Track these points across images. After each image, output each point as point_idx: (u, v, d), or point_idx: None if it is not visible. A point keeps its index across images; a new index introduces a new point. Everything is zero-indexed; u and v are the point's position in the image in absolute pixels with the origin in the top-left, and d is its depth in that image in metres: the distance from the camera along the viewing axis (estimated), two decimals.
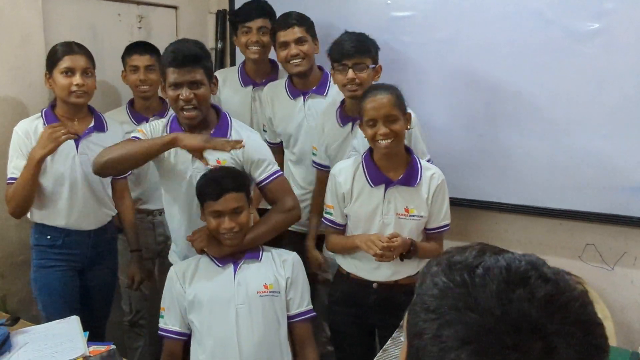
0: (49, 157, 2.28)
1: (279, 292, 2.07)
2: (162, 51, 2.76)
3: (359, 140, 2.38)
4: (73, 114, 2.39)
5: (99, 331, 2.52)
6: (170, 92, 2.07)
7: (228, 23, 3.28)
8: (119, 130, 2.54)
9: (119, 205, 2.61)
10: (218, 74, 2.58)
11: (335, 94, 2.65)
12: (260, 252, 2.13)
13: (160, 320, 2.11)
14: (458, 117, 2.70)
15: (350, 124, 2.43)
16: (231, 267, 2.08)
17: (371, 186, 2.15)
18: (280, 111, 2.77)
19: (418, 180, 2.13)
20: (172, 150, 2.11)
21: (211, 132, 2.14)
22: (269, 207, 2.30)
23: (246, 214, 2.06)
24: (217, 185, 2.00)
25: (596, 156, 2.42)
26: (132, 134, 2.18)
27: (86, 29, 2.89)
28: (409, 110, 2.16)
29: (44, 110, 2.39)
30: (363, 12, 2.85)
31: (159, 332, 2.11)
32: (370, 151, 2.19)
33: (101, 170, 2.12)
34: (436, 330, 0.64)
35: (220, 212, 2.01)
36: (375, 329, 2.26)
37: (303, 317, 2.11)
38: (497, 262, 0.66)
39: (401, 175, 2.13)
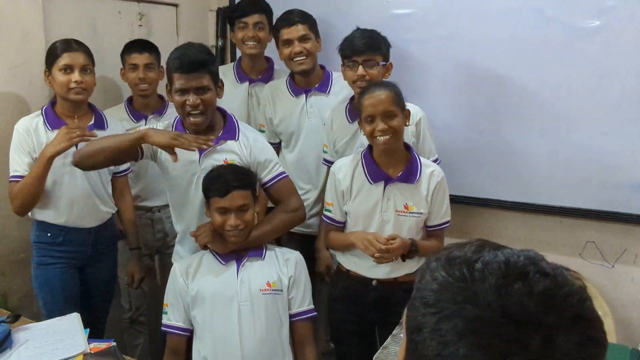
0: None
1: (282, 291, 2.07)
2: (161, 49, 2.80)
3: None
4: (73, 111, 2.39)
5: (99, 328, 2.53)
6: (176, 97, 2.06)
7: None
8: (119, 128, 2.55)
9: (119, 202, 2.62)
10: None
11: (338, 91, 2.66)
12: (264, 250, 2.13)
13: (164, 316, 2.10)
14: (458, 114, 2.70)
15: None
16: (234, 265, 2.07)
17: (370, 183, 2.15)
18: (282, 110, 2.76)
19: (417, 177, 2.13)
20: (179, 152, 2.10)
21: (219, 135, 2.15)
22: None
23: (252, 211, 2.06)
24: (225, 181, 2.00)
25: (597, 153, 2.42)
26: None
27: (87, 26, 2.89)
28: (407, 107, 2.16)
29: (44, 108, 2.39)
30: (363, 10, 2.85)
31: (162, 328, 2.10)
32: (370, 148, 2.19)
33: (79, 162, 2.15)
34: (435, 324, 0.64)
35: (226, 209, 2.01)
36: (375, 326, 2.26)
37: (304, 317, 2.11)
38: (496, 257, 0.67)
39: (400, 172, 2.13)
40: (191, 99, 2.03)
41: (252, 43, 2.82)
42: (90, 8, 2.92)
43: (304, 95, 2.71)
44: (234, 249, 2.08)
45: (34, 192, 2.27)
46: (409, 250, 2.10)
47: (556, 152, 2.49)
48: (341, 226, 2.26)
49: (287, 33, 2.61)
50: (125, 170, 2.64)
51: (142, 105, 2.81)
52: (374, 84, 2.17)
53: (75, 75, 2.31)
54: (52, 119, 2.35)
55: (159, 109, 2.84)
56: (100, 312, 2.62)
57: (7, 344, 1.79)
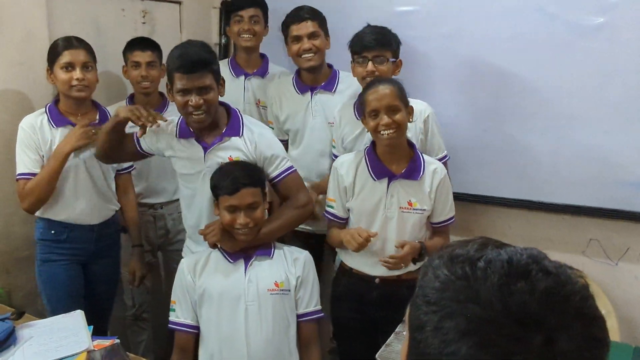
0: None
1: (289, 291, 2.04)
2: (164, 46, 2.80)
3: None
4: (76, 108, 2.40)
5: (103, 324, 2.54)
6: (178, 97, 2.04)
7: None
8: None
9: (122, 200, 2.63)
10: None
11: (344, 89, 2.65)
12: (272, 249, 2.10)
13: (171, 313, 2.07)
14: (462, 112, 2.70)
15: None
16: (242, 263, 2.05)
17: (374, 180, 2.14)
18: (288, 107, 2.77)
19: (421, 173, 2.13)
20: (184, 150, 2.14)
21: (223, 131, 2.14)
22: None
23: (262, 209, 2.03)
24: (234, 179, 1.97)
25: (600, 151, 2.41)
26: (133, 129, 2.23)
27: (90, 24, 2.89)
28: (416, 104, 2.17)
29: (47, 106, 2.40)
30: (367, 7, 2.85)
31: (170, 325, 2.07)
32: (373, 145, 2.19)
33: (99, 158, 2.31)
34: (437, 323, 0.64)
35: (235, 207, 1.98)
36: (378, 324, 2.26)
37: (310, 317, 2.08)
38: (499, 256, 0.67)
39: (404, 169, 2.13)
40: (193, 99, 2.01)
41: (247, 36, 2.85)
42: (94, 5, 2.92)
43: (310, 93, 2.71)
44: (244, 246, 2.05)
45: (49, 188, 2.28)
46: (419, 254, 2.11)
47: (559, 150, 2.49)
48: (343, 223, 2.25)
49: (296, 29, 2.61)
50: (128, 168, 2.65)
51: (143, 103, 2.80)
52: (377, 80, 2.18)
53: (77, 73, 2.31)
54: (56, 117, 2.36)
55: (160, 107, 2.84)
56: (104, 308, 2.63)
57: (11, 340, 1.79)
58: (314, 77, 2.69)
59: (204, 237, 2.09)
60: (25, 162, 2.30)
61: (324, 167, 2.68)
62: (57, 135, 2.34)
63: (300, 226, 2.46)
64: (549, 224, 2.61)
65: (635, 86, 2.31)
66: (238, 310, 1.99)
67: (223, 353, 2.00)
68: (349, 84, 2.62)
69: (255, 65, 2.95)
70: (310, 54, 2.60)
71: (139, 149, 2.26)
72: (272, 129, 2.81)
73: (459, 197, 2.62)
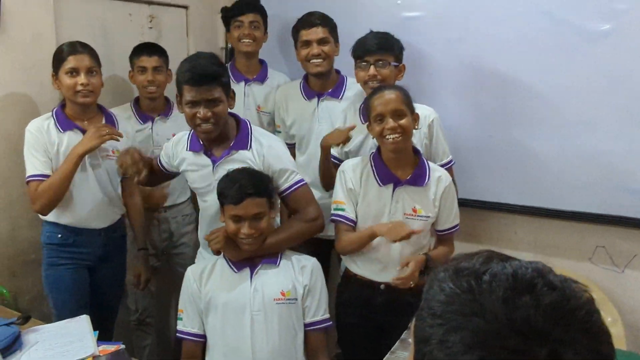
0: (61, 155, 2.32)
1: (296, 299, 2.00)
2: (171, 51, 2.82)
3: None
4: (82, 113, 2.40)
5: (108, 329, 2.55)
6: (187, 109, 2.03)
7: None
8: (130, 129, 2.58)
9: (127, 203, 2.64)
10: None
11: (351, 96, 2.65)
12: (279, 257, 2.06)
13: (179, 322, 2.05)
14: (468, 117, 2.69)
15: None
16: (248, 272, 2.01)
17: (380, 185, 2.14)
18: (294, 112, 2.78)
19: (426, 180, 2.13)
20: (194, 164, 2.15)
21: (231, 144, 2.11)
22: None
23: (267, 219, 1.99)
24: (239, 188, 1.93)
25: (607, 157, 2.40)
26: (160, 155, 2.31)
27: (97, 28, 2.91)
28: (420, 109, 2.17)
29: (54, 110, 2.41)
30: (373, 13, 2.85)
31: (177, 334, 2.04)
32: (378, 151, 2.19)
33: (142, 185, 2.42)
34: (442, 336, 0.64)
35: (240, 217, 1.94)
36: (383, 331, 2.26)
37: (318, 327, 2.04)
38: (504, 269, 0.67)
39: (410, 175, 2.13)
40: (202, 111, 2.00)
41: (247, 41, 2.87)
42: (101, 10, 2.94)
43: (317, 99, 2.71)
44: (247, 256, 2.01)
45: (62, 190, 2.29)
46: (425, 266, 2.10)
47: (566, 155, 2.48)
48: (353, 226, 2.20)
49: (306, 34, 2.63)
50: None
51: (148, 108, 2.83)
52: (383, 86, 2.19)
53: (82, 78, 2.31)
54: (63, 121, 2.37)
55: (165, 111, 2.86)
56: (110, 312, 2.63)
57: (17, 345, 1.80)
58: (322, 83, 2.70)
59: (208, 243, 2.08)
60: (35, 164, 2.30)
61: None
62: (64, 140, 2.35)
63: None
64: (555, 230, 2.60)
65: None
66: (244, 319, 1.96)
67: None
68: (356, 91, 2.62)
69: (254, 70, 2.96)
70: (319, 60, 2.61)
71: (163, 169, 2.28)
72: (279, 132, 2.82)
73: (465, 203, 2.63)
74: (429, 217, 2.15)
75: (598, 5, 2.35)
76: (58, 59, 2.35)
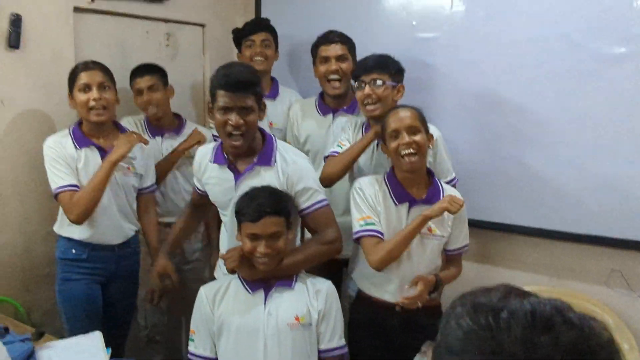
0: (80, 171, 2.35)
1: (311, 324, 1.94)
2: (187, 68, 2.85)
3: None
4: (98, 130, 2.43)
5: (120, 344, 2.55)
6: (218, 115, 2.00)
7: None
8: (147, 146, 2.59)
9: (143, 218, 2.64)
10: None
11: None
12: (294, 280, 2.00)
13: (190, 343, 2.01)
14: (482, 139, 2.68)
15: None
16: (262, 294, 1.96)
17: (395, 204, 2.14)
18: (309, 128, 2.79)
19: (441, 199, 2.12)
20: (216, 177, 2.13)
21: (255, 160, 2.08)
22: None
23: (284, 239, 1.93)
24: (257, 206, 1.88)
25: (623, 181, 2.37)
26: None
27: (115, 46, 2.95)
28: (431, 132, 2.16)
29: (71, 128, 2.43)
30: (389, 33, 2.87)
31: (189, 356, 2.00)
32: (392, 170, 2.19)
33: None
34: None
35: (257, 235, 1.89)
36: (398, 352, 2.22)
37: (333, 354, 1.97)
38: (522, 306, 0.66)
39: (425, 194, 2.13)
40: (233, 118, 1.97)
41: (259, 59, 2.90)
42: (119, 28, 2.98)
43: (332, 115, 2.73)
44: (262, 276, 1.96)
45: (98, 197, 2.31)
46: (435, 286, 2.10)
47: (582, 179, 2.46)
48: (383, 239, 2.12)
49: (324, 50, 2.65)
50: (151, 186, 2.66)
51: (157, 126, 2.85)
52: (398, 106, 2.20)
53: (94, 93, 2.34)
54: (80, 138, 2.39)
55: (176, 128, 2.88)
56: (122, 327, 2.63)
57: None
58: (338, 101, 2.71)
59: (224, 261, 2.04)
60: (61, 175, 2.32)
61: (343, 190, 2.67)
62: (82, 156, 2.37)
63: None
64: (570, 253, 2.58)
65: None
66: (257, 344, 1.91)
67: None
68: None
69: (266, 87, 2.97)
70: (337, 82, 2.62)
71: (201, 193, 2.27)
72: None
73: (479, 225, 2.62)
74: (443, 236, 2.15)
75: (615, 29, 2.33)
76: (72, 77, 2.39)
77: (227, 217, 2.16)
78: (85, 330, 2.09)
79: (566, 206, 2.51)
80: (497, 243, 2.75)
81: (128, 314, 2.67)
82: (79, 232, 2.41)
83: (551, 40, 2.45)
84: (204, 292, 2.01)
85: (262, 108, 2.06)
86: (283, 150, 2.13)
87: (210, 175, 2.17)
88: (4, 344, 1.82)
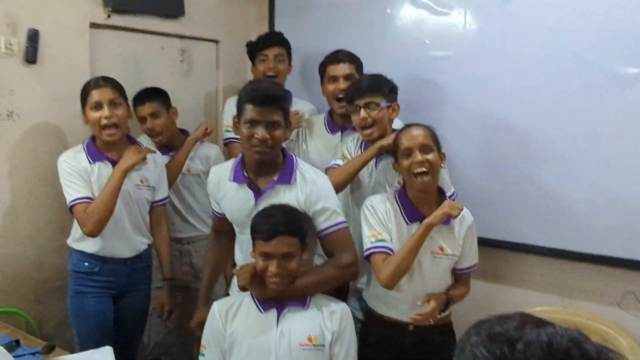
0: (93, 184, 2.36)
1: (324, 346, 1.90)
2: (201, 83, 2.86)
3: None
4: (111, 145, 2.43)
5: (130, 359, 2.54)
6: (244, 129, 1.98)
7: None
8: (160, 159, 2.61)
9: (155, 232, 2.64)
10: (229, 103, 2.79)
11: None
12: (308, 300, 1.97)
13: (200, 358, 1.99)
14: (494, 156, 2.68)
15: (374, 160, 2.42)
16: (274, 314, 1.93)
17: (407, 223, 2.13)
18: (316, 145, 2.79)
19: (452, 219, 2.11)
20: (235, 195, 2.10)
21: (275, 178, 2.05)
22: None
23: (297, 260, 1.89)
24: (272, 225, 1.86)
25: (636, 201, 2.36)
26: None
27: (130, 61, 2.98)
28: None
29: (85, 143, 2.44)
30: (401, 51, 2.88)
31: None
32: (403, 188, 2.18)
33: None
34: None
35: (269, 255, 1.86)
36: None
37: None
38: (539, 337, 0.66)
39: None
40: (260, 132, 1.95)
41: (273, 74, 2.89)
42: (134, 44, 3.01)
43: (340, 133, 2.72)
44: (273, 295, 1.93)
45: (110, 207, 2.32)
46: (446, 305, 2.10)
47: (595, 199, 2.44)
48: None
49: (332, 69, 2.66)
50: (163, 199, 2.66)
51: (165, 146, 2.84)
52: (410, 124, 2.19)
53: (105, 111, 2.34)
54: (94, 153, 2.41)
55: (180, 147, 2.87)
56: (132, 342, 2.63)
57: None
58: (346, 119, 2.71)
59: (236, 278, 2.02)
60: (76, 188, 2.33)
61: (348, 209, 2.66)
62: (95, 170, 2.38)
63: None
64: (583, 273, 2.55)
65: None
66: None
67: None
68: None
69: None
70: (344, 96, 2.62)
71: (220, 217, 2.26)
72: None
73: (491, 243, 2.61)
74: (454, 255, 2.14)
75: (629, 48, 2.33)
76: (84, 95, 2.40)
77: (245, 236, 2.10)
78: (96, 344, 2.10)
79: (579, 225, 2.50)
80: (508, 262, 2.73)
81: (139, 329, 2.66)
82: (91, 245, 2.42)
83: (563, 58, 2.46)
84: (217, 308, 1.98)
85: (287, 125, 2.05)
86: (303, 169, 2.10)
87: (228, 193, 2.14)
88: (15, 357, 1.83)
